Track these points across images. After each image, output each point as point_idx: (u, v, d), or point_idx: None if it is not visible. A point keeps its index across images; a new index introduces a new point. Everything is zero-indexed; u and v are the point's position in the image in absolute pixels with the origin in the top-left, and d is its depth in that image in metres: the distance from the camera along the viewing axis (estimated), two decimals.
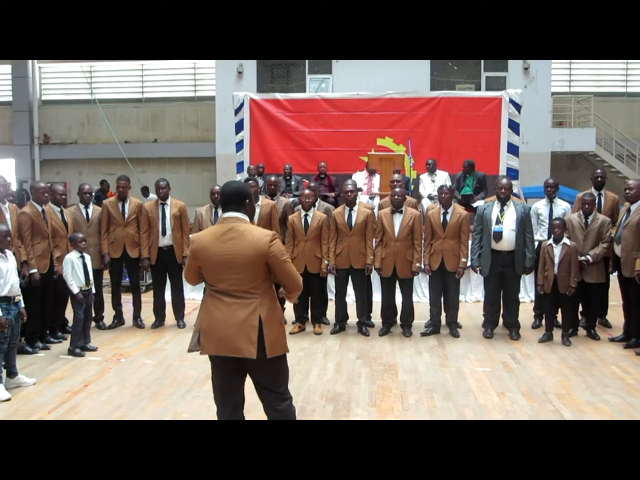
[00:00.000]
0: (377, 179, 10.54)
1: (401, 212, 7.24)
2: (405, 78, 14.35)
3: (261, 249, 3.42)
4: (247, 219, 3.58)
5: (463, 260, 7.18)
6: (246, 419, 3.78)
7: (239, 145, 12.63)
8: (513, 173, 11.54)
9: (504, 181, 7.25)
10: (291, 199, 9.17)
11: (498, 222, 7.03)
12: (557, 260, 6.84)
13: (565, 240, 6.87)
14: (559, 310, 7.19)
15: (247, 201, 3.57)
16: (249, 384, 3.66)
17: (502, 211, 7.07)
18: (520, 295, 7.65)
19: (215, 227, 3.60)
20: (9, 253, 5.44)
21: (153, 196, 14.85)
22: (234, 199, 3.55)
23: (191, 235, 3.63)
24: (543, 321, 7.41)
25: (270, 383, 3.59)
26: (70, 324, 7.04)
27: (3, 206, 6.39)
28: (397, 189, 7.32)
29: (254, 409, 3.92)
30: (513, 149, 11.84)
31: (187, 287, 8.72)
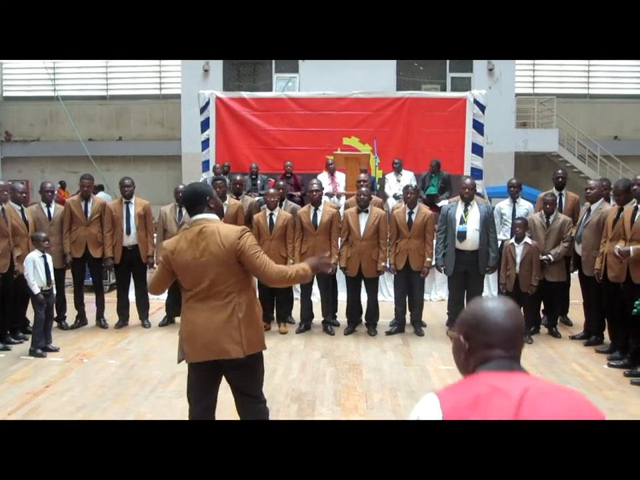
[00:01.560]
0: (341, 178, 10.57)
1: (366, 211, 7.27)
2: (371, 78, 14.40)
3: (230, 245, 3.39)
4: (216, 217, 3.54)
5: (428, 259, 7.24)
6: (216, 418, 3.77)
7: (205, 144, 12.55)
8: (477, 173, 11.67)
9: (467, 181, 7.34)
10: (257, 198, 9.14)
11: (462, 222, 7.10)
12: (518, 259, 6.94)
13: (527, 239, 6.98)
14: (521, 308, 7.29)
15: (209, 198, 3.53)
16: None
17: (466, 210, 7.15)
18: (483, 294, 7.75)
19: (186, 232, 3.53)
20: None
21: (103, 194, 14.67)
22: (196, 200, 3.52)
23: (163, 242, 3.57)
24: None
25: (246, 384, 3.58)
26: (31, 324, 6.92)
27: None
28: (363, 189, 7.35)
29: (223, 408, 3.90)
30: (477, 149, 11.96)
31: None
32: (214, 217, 3.53)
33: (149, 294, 7.96)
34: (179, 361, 3.60)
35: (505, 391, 1.54)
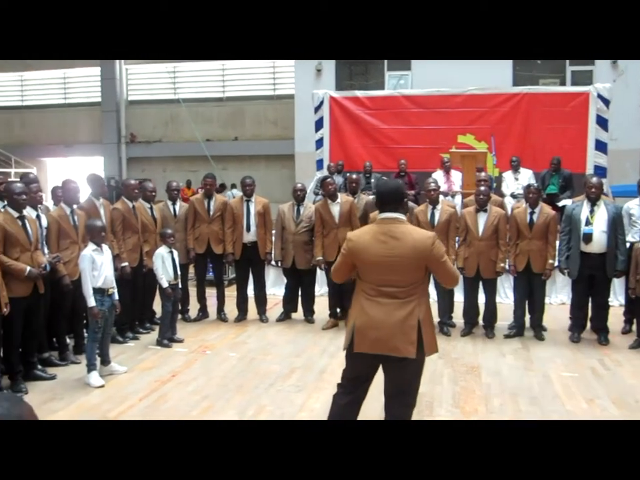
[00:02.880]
0: (457, 176, 10.40)
1: (485, 211, 7.12)
2: (486, 73, 14.05)
3: (424, 251, 3.44)
4: (405, 219, 3.58)
5: (550, 261, 6.99)
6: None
7: (319, 143, 12.70)
8: (600, 171, 11.12)
9: (594, 179, 7.01)
10: (372, 197, 9.14)
11: (588, 223, 6.79)
12: None
13: None
14: None
15: (405, 200, 3.62)
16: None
17: (592, 211, 6.83)
18: (609, 299, 7.40)
19: (373, 227, 3.60)
20: (104, 247, 5.68)
21: (236, 191, 15.28)
22: (393, 198, 3.56)
23: (348, 234, 3.70)
24: (634, 327, 7.13)
25: (408, 384, 3.62)
26: (158, 316, 7.28)
27: (98, 202, 6.66)
28: (482, 188, 7.20)
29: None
30: (601, 146, 11.42)
31: (268, 283, 8.87)
32: (403, 218, 3.57)
33: (266, 290, 8.21)
34: (345, 349, 3.66)
35: None
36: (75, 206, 6.19)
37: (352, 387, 3.70)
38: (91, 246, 5.53)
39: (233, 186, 16.33)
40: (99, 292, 5.52)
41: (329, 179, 7.81)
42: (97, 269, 5.47)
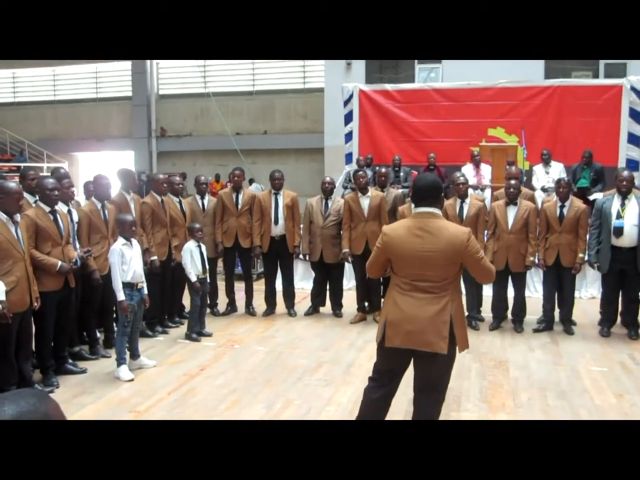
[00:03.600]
0: (486, 170, 10.33)
1: (515, 204, 7.06)
2: (517, 66, 13.74)
3: (459, 247, 3.43)
4: (441, 213, 3.59)
5: (580, 255, 6.92)
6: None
7: (348, 136, 12.70)
8: (633, 165, 10.97)
9: (625, 173, 6.92)
10: (400, 190, 9.14)
11: (619, 216, 6.71)
12: None
13: None
14: None
15: (442, 195, 3.61)
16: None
17: (623, 204, 6.75)
18: None
19: (408, 221, 3.61)
20: (134, 241, 5.75)
21: (257, 185, 15.40)
22: (430, 193, 3.55)
23: (383, 227, 3.72)
24: None
25: (439, 378, 3.64)
26: (187, 310, 7.35)
27: (128, 196, 6.74)
28: (513, 182, 7.14)
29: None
30: (634, 139, 11.24)
31: (297, 276, 8.91)
32: (439, 213, 3.57)
33: (294, 284, 8.25)
34: (377, 341, 3.67)
35: None
36: (105, 201, 6.28)
37: (384, 381, 3.71)
38: (121, 240, 5.60)
39: (251, 181, 16.45)
40: (128, 286, 5.58)
41: (360, 172, 7.80)
42: (127, 263, 5.54)
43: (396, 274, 3.59)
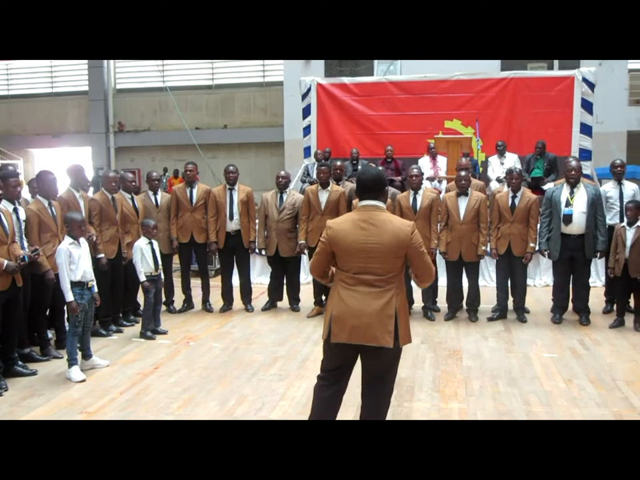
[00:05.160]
0: (442, 161, 10.42)
1: (466, 195, 7.14)
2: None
3: (404, 239, 3.43)
4: (384, 207, 3.58)
5: (531, 245, 7.04)
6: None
7: (306, 130, 12.66)
8: (585, 154, 11.16)
9: (573, 163, 7.05)
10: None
11: (568, 204, 6.85)
12: (629, 243, 6.62)
13: None
14: (630, 294, 6.96)
15: (386, 188, 3.60)
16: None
17: (572, 193, 6.89)
18: (591, 280, 7.47)
19: (353, 214, 3.59)
20: (82, 240, 5.64)
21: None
22: (373, 186, 3.55)
23: (328, 221, 3.67)
24: (614, 306, 7.20)
25: (384, 372, 3.62)
26: (142, 308, 7.27)
27: (77, 194, 6.62)
28: (463, 173, 7.22)
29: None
30: (586, 129, 11.42)
31: (253, 271, 8.88)
32: (383, 206, 3.56)
33: (251, 279, 8.22)
34: (324, 339, 3.64)
35: None
36: (52, 199, 6.14)
37: (333, 379, 3.67)
38: (67, 240, 5.50)
39: (166, 170, 16.81)
40: (78, 285, 5.49)
41: (323, 167, 7.78)
42: (75, 262, 5.44)
43: (340, 269, 3.57)
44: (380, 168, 8.64)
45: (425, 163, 10.40)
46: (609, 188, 7.42)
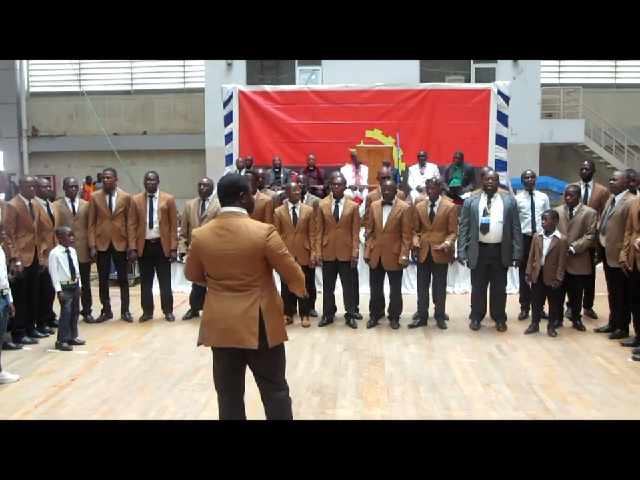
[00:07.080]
0: (364, 170, 10.56)
1: (391, 204, 7.24)
2: (394, 69, 14.24)
3: (258, 243, 3.47)
4: (244, 212, 3.60)
5: (446, 243, 7.13)
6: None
7: (228, 138, 12.60)
8: (501, 165, 11.58)
9: (490, 172, 7.29)
10: (279, 192, 9.16)
11: (485, 214, 7.05)
12: (545, 252, 6.86)
13: (556, 233, 6.86)
14: (546, 301, 7.23)
15: (242, 193, 3.59)
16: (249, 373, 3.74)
17: (489, 202, 7.09)
18: (507, 287, 7.70)
19: (214, 221, 3.63)
20: None
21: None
22: (228, 192, 3.59)
23: (193, 230, 3.69)
24: (530, 312, 7.46)
25: (268, 372, 3.67)
26: (58, 318, 7.00)
27: None
28: (388, 183, 7.30)
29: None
30: (501, 141, 11.84)
31: (174, 280, 8.73)
32: (243, 211, 3.59)
33: (172, 288, 8.07)
34: (198, 344, 3.72)
35: None
36: None
37: (225, 385, 3.73)
38: None
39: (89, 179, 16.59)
40: None
41: (249, 174, 7.68)
42: None
43: (209, 275, 3.65)
44: (301, 176, 8.67)
45: (347, 171, 10.50)
46: (520, 198, 7.65)
